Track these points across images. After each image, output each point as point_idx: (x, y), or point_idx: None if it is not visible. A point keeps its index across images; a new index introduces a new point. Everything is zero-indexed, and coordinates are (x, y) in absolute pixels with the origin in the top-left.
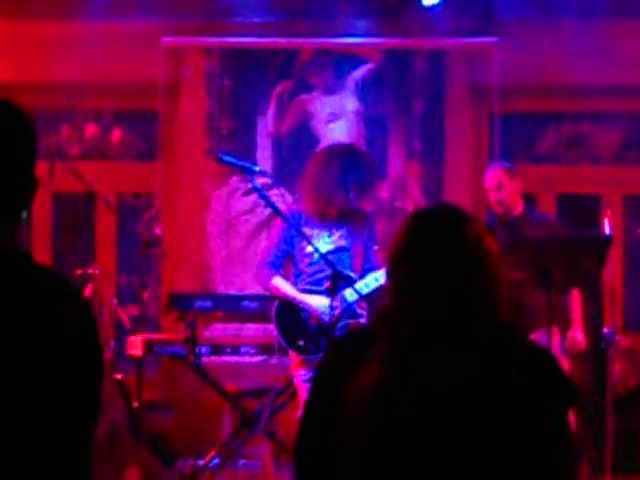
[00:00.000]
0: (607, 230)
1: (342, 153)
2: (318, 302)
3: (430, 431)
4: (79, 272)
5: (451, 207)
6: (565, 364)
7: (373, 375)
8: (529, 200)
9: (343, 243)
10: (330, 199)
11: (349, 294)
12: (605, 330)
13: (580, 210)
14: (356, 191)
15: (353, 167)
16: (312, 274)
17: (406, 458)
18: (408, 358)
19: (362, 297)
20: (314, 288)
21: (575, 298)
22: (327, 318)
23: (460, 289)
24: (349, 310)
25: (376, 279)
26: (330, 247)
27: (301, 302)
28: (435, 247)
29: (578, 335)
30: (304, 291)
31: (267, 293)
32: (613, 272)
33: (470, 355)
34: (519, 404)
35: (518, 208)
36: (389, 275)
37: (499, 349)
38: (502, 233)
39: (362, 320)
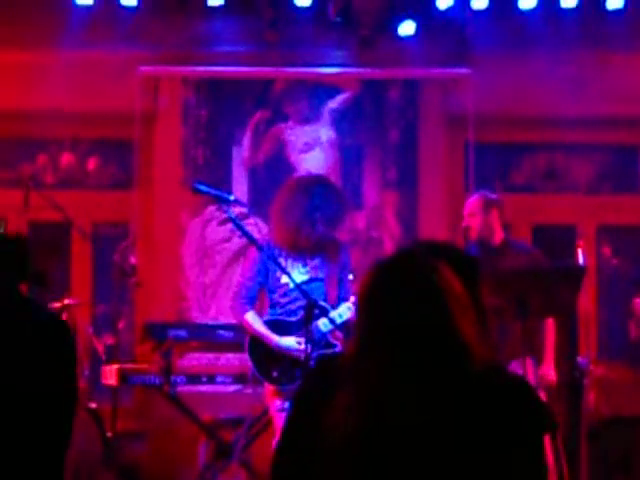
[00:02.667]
0: (580, 260)
1: (310, 186)
2: (288, 343)
3: (409, 467)
4: (54, 304)
5: (414, 252)
6: (541, 394)
7: (345, 416)
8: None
9: (317, 273)
10: (297, 231)
11: (322, 324)
12: (579, 359)
13: (555, 240)
14: (323, 224)
15: (321, 201)
16: (286, 304)
17: None
18: (379, 399)
19: (336, 327)
20: (288, 319)
21: (549, 329)
22: (301, 355)
23: (422, 332)
24: (323, 340)
25: (349, 308)
26: (304, 277)
27: (272, 342)
28: (395, 293)
29: (549, 373)
30: (278, 321)
31: None
32: (587, 302)
33: (442, 392)
34: (496, 435)
35: (497, 237)
36: (356, 317)
37: (473, 382)
38: (483, 261)
39: (336, 350)
